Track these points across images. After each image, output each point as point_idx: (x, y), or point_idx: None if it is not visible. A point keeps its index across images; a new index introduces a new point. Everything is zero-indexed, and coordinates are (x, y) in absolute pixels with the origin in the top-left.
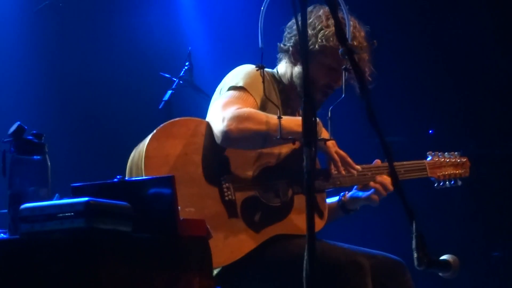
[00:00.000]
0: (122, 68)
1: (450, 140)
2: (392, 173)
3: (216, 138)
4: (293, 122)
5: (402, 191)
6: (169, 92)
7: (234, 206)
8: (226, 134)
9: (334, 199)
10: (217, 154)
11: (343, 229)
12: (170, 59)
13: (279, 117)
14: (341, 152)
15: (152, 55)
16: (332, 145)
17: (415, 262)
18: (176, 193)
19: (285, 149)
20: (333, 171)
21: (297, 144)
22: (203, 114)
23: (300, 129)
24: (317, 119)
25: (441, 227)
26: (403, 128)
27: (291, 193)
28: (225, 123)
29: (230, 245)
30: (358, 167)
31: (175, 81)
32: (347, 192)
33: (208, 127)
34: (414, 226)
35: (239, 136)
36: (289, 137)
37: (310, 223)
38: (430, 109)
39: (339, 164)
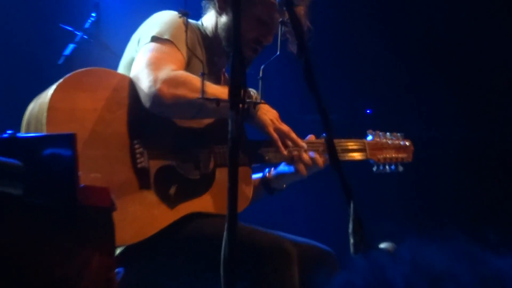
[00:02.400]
0: (17, 17)
1: (390, 122)
2: (330, 146)
3: (143, 100)
4: (223, 88)
5: (340, 167)
6: (71, 46)
7: (146, 176)
8: (157, 98)
9: (258, 175)
10: (132, 114)
11: (266, 212)
12: (73, 9)
13: (202, 74)
14: (282, 127)
15: (52, 3)
16: (268, 118)
17: (351, 249)
18: (77, 155)
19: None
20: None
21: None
22: None
23: (226, 94)
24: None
25: (377, 214)
26: (337, 106)
27: (213, 165)
28: (158, 85)
29: (138, 221)
30: (303, 143)
31: (78, 34)
32: (272, 168)
33: (130, 84)
34: (351, 208)
35: (172, 103)
36: (214, 97)
37: (232, 201)
38: (368, 86)
39: (279, 143)
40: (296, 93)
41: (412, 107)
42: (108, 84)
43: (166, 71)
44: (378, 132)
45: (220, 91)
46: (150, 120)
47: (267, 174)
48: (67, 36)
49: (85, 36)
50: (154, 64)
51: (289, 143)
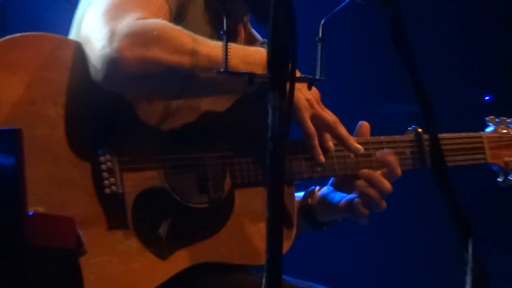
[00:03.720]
0: None
1: None
2: (434, 146)
3: (92, 72)
4: (247, 51)
5: (450, 183)
6: None
7: (120, 207)
8: (114, 64)
9: (297, 196)
10: (92, 105)
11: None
12: None
13: (223, 32)
14: (325, 115)
15: None
16: (303, 97)
17: None
18: (22, 163)
19: (218, 100)
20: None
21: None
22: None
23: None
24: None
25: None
26: (439, 92)
27: (230, 185)
28: (115, 44)
29: (107, 282)
30: (359, 146)
31: None
32: (318, 187)
33: (78, 51)
34: (470, 250)
35: (139, 71)
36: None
37: (274, 245)
38: (488, 64)
39: (315, 142)
40: (364, 67)
41: None
42: (50, 58)
43: (128, 21)
44: (504, 119)
45: (241, 55)
46: (123, 112)
47: (309, 198)
48: None
49: None
50: (111, 12)
51: (330, 143)
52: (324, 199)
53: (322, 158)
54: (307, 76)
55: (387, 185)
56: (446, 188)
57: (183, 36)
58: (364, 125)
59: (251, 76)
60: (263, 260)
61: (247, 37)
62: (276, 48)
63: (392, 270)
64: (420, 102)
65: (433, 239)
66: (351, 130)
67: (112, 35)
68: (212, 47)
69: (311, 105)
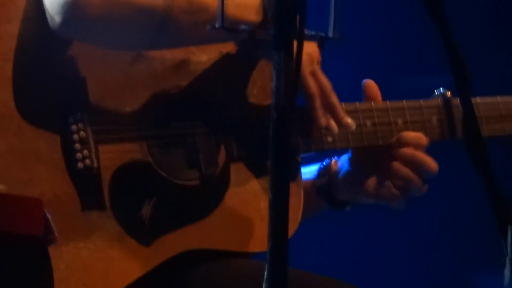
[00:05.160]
0: None
1: None
2: (468, 114)
3: (48, 18)
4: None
5: (488, 157)
6: None
7: (96, 184)
8: (73, 5)
9: (309, 172)
10: (59, 64)
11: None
12: None
13: None
14: (323, 78)
15: None
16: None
17: None
18: None
19: (206, 55)
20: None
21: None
22: None
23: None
24: None
25: None
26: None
27: (225, 158)
28: None
29: (83, 271)
30: (350, 121)
31: None
32: (335, 158)
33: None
34: (510, 239)
35: (104, 13)
36: (241, 27)
37: (278, 227)
38: None
39: (317, 102)
40: (387, 28)
41: None
42: (5, 10)
43: None
44: None
45: (241, 5)
46: (97, 72)
47: (328, 170)
48: None
49: None
50: None
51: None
52: (348, 177)
53: (323, 121)
54: (319, 33)
55: (432, 163)
56: (481, 163)
57: None
58: (370, 86)
59: (252, 32)
60: (264, 247)
61: None
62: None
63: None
64: (452, 63)
65: (464, 226)
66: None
67: None
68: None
69: (311, 60)
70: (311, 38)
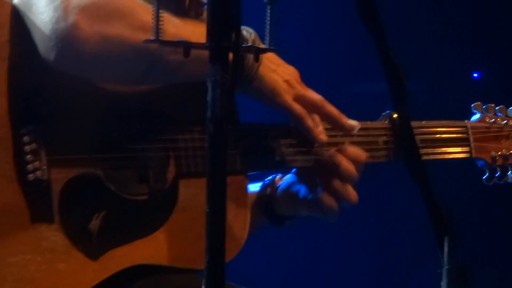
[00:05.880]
0: None
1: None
2: (406, 134)
3: (41, 47)
4: (197, 27)
5: (426, 176)
6: None
7: (45, 196)
8: (71, 41)
9: (253, 188)
10: (17, 76)
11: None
12: None
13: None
14: (309, 95)
15: None
16: (280, 78)
17: None
18: None
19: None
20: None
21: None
22: None
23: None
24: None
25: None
26: (420, 69)
27: (173, 174)
28: (72, 18)
29: (29, 284)
30: (354, 122)
31: None
32: (280, 175)
33: (14, 18)
34: (446, 250)
35: (99, 51)
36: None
37: (216, 244)
38: (477, 37)
39: (308, 121)
40: (334, 42)
41: None
42: None
43: None
44: (491, 106)
45: (190, 30)
46: (52, 87)
47: (269, 187)
48: None
49: None
50: None
51: (321, 128)
52: (287, 190)
53: (323, 137)
54: (254, 45)
55: (352, 171)
56: (419, 178)
57: (148, 11)
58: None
59: (187, 45)
60: None
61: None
62: (216, 12)
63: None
64: (388, 75)
65: (411, 238)
66: None
67: (66, 7)
68: (179, 25)
69: (291, 86)
70: (247, 50)
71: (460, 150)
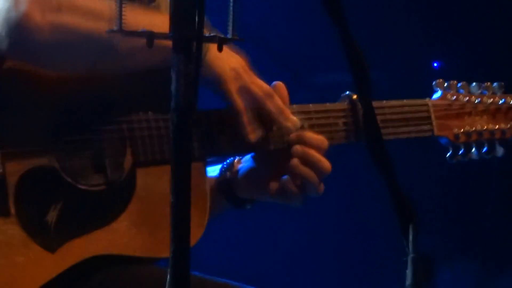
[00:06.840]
0: None
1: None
2: (368, 114)
3: None
4: (158, 17)
5: (388, 157)
6: None
7: (1, 189)
8: (22, 31)
9: (212, 172)
10: None
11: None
12: None
13: None
14: (255, 86)
15: None
16: (227, 66)
17: None
18: None
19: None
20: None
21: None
22: None
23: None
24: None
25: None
26: (384, 58)
27: (131, 163)
28: (22, 7)
29: None
30: (294, 119)
31: None
32: (238, 158)
33: None
34: (411, 238)
35: (52, 39)
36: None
37: (180, 231)
38: (437, 27)
39: (244, 117)
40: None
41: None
42: None
43: None
44: (453, 83)
45: (149, 19)
46: (4, 78)
47: (228, 170)
48: None
49: None
50: None
51: (262, 115)
52: (248, 174)
53: (253, 136)
54: (217, 35)
55: (325, 164)
56: (383, 166)
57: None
58: (279, 86)
59: (150, 35)
60: None
61: None
62: (180, 1)
63: (328, 263)
64: (352, 64)
65: (375, 226)
66: None
67: None
68: (139, 15)
69: (238, 75)
70: (209, 39)
71: (422, 129)
